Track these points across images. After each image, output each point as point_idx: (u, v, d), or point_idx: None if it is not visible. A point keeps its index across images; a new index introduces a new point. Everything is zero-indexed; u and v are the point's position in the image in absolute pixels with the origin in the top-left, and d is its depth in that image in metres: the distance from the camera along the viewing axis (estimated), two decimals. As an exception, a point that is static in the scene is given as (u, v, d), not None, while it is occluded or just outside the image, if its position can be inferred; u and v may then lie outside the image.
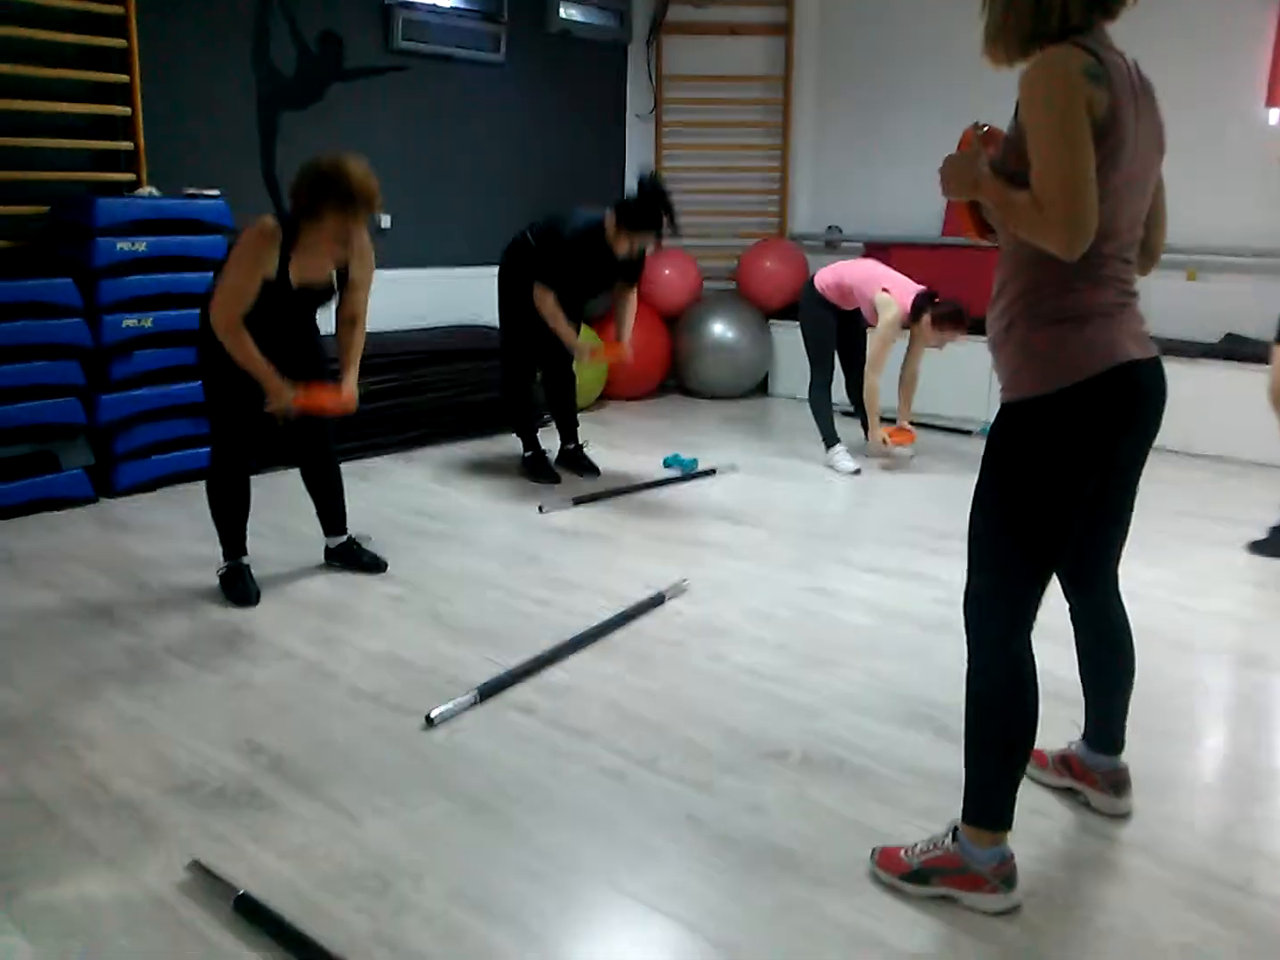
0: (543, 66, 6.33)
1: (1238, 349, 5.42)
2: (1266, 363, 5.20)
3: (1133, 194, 1.80)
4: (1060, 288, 1.79)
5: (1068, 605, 2.17)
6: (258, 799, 2.25)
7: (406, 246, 5.81)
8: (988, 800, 1.93)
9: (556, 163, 6.50)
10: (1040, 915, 1.91)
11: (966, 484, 1.96)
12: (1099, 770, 2.24)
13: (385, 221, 5.72)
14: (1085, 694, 2.23)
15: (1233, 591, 3.54)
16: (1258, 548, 3.93)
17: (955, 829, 1.97)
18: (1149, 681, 2.86)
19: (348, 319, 3.37)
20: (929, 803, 2.24)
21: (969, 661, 1.92)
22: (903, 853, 2.00)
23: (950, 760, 2.40)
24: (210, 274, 4.38)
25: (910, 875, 1.96)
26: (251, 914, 1.85)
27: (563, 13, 6.32)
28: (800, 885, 1.99)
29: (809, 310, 5.02)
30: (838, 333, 5.00)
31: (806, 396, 5.12)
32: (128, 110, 4.47)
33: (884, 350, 4.85)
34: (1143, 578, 3.64)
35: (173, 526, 4.03)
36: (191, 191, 4.52)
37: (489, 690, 2.71)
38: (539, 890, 1.97)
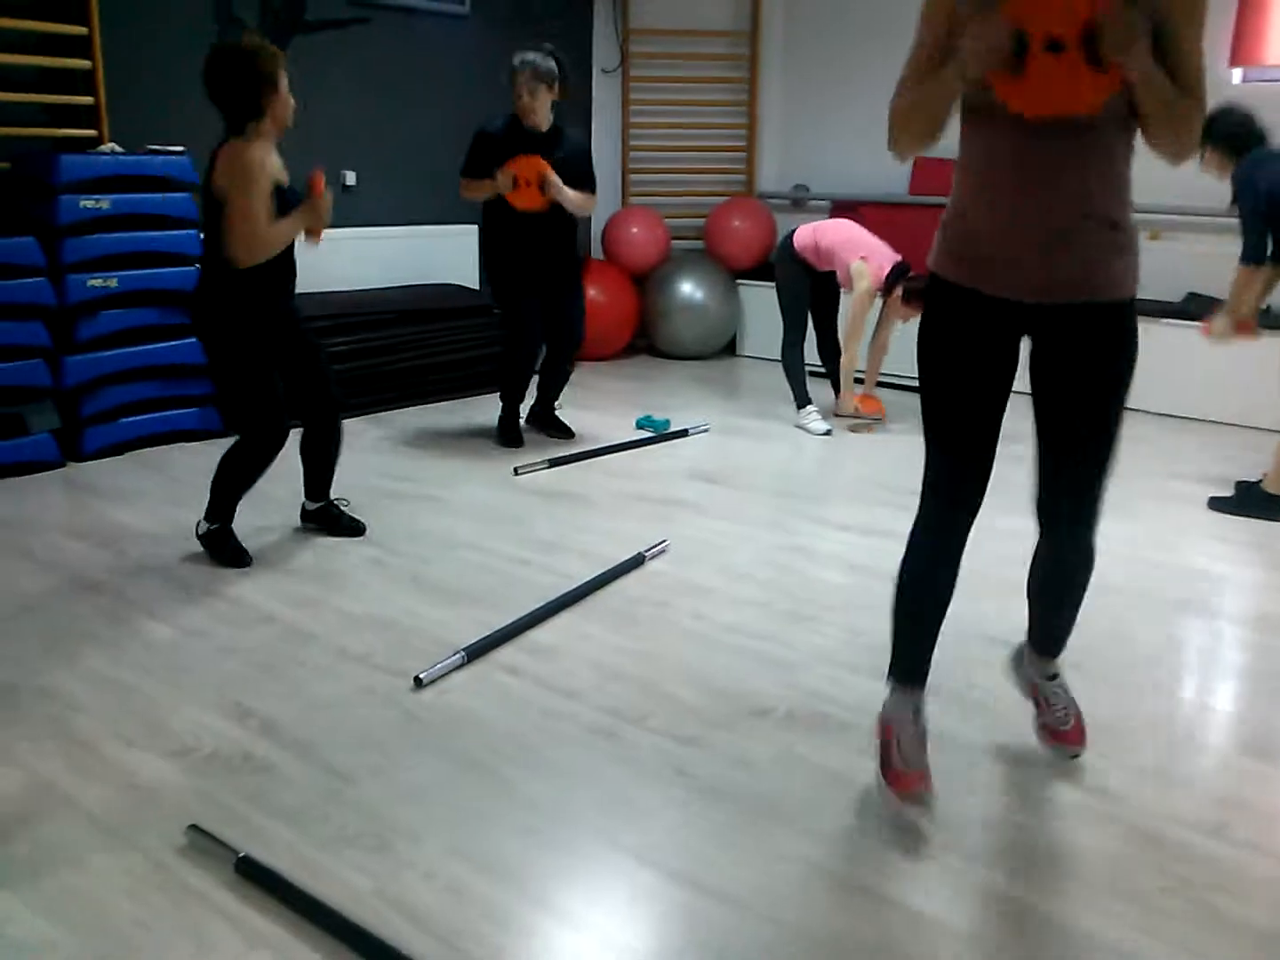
0: (507, 19, 6.23)
1: (1200, 308, 5.50)
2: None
3: None
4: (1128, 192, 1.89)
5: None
6: (251, 762, 2.26)
7: (372, 204, 5.74)
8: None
9: (523, 119, 6.42)
10: (1024, 863, 1.97)
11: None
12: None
13: (350, 179, 5.65)
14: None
15: (1199, 546, 3.63)
16: (1218, 504, 4.02)
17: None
18: (1121, 634, 2.94)
19: None
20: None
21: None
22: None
23: (930, 712, 2.45)
24: (186, 234, 4.34)
25: None
26: (254, 876, 1.86)
27: (528, -35, 6.23)
28: (791, 837, 2.04)
29: (784, 268, 5.03)
30: (812, 292, 5.01)
31: (778, 357, 5.14)
32: (88, 64, 4.35)
33: (860, 322, 4.87)
34: (1111, 533, 3.72)
35: (145, 490, 4.00)
36: (154, 148, 4.43)
37: (476, 651, 2.73)
38: (537, 846, 2.00)
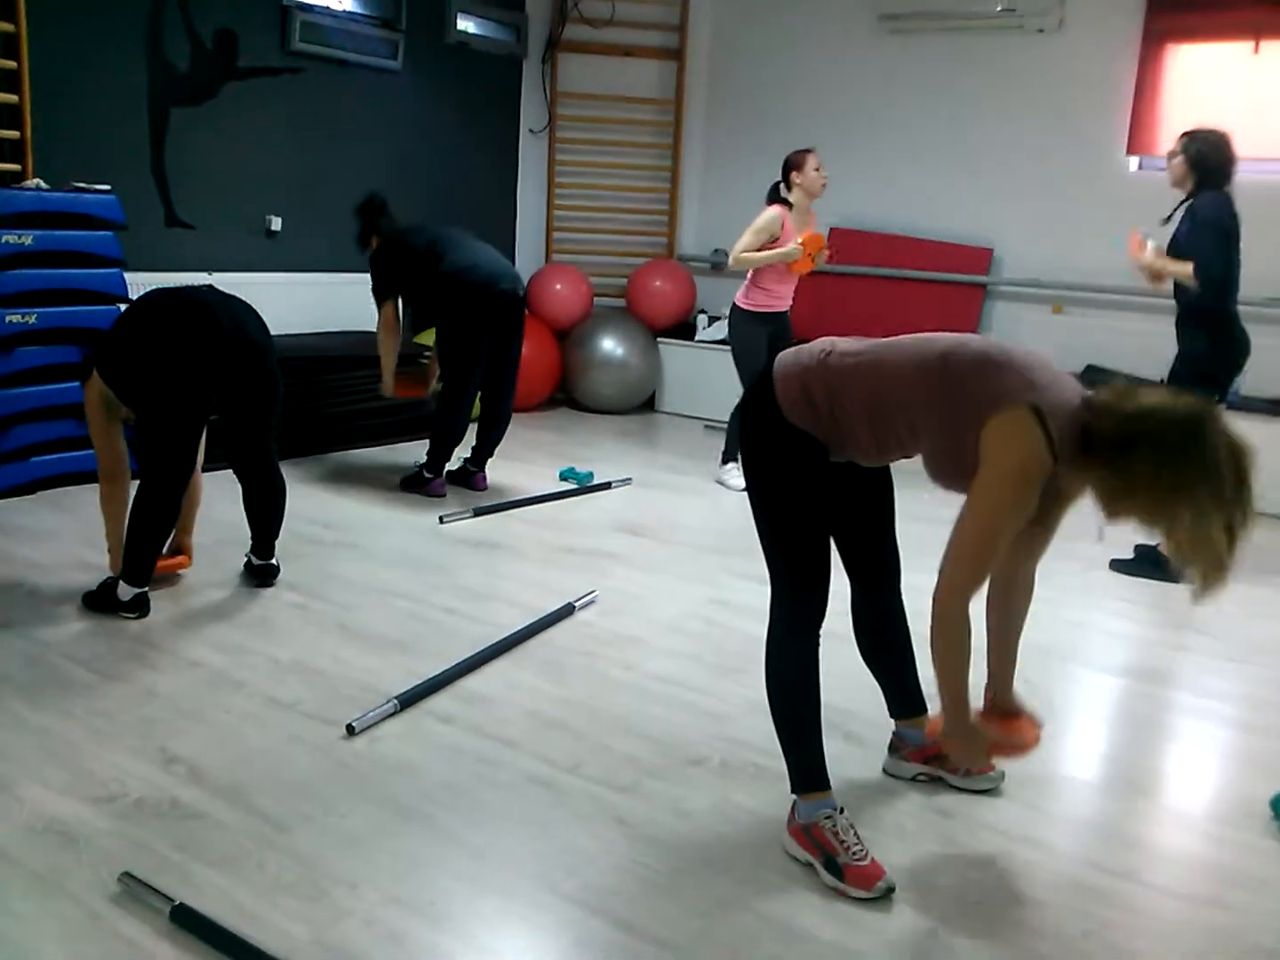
0: (439, 76, 6.32)
1: (1097, 379, 5.78)
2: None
3: None
4: None
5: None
6: (179, 808, 2.21)
7: (296, 250, 5.72)
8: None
9: (450, 173, 6.50)
10: (952, 911, 2.04)
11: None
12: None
13: (276, 224, 5.63)
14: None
15: (1102, 605, 3.79)
16: (1119, 565, 4.21)
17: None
18: (1030, 689, 3.06)
19: None
20: (843, 803, 2.35)
21: None
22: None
23: (858, 762, 2.53)
24: (109, 272, 4.28)
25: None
26: (190, 924, 1.83)
27: (460, 24, 6.33)
28: (730, 884, 2.07)
29: (738, 330, 5.09)
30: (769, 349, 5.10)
31: (696, 413, 5.22)
32: (15, 98, 4.29)
33: (752, 239, 4.95)
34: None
35: (56, 530, 3.89)
36: (80, 185, 4.36)
37: (408, 699, 2.72)
38: (477, 893, 2.00)
